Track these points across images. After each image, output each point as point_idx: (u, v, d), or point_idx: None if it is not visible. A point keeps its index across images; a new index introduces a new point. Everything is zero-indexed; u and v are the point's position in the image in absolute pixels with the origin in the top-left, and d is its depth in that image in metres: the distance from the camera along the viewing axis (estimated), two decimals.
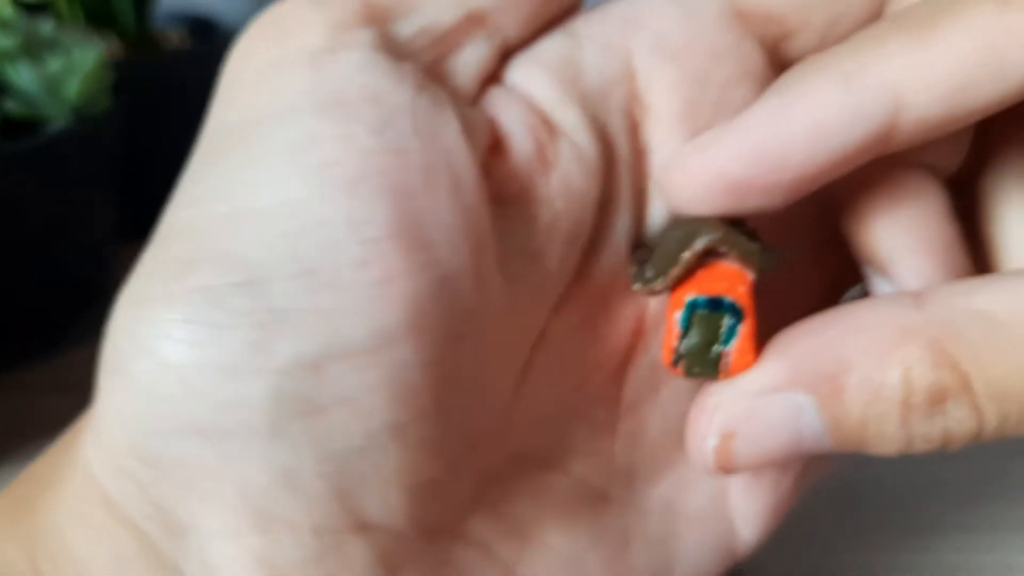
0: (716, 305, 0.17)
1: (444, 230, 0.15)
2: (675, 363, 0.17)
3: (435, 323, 0.15)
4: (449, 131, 0.16)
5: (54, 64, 0.37)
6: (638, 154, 0.19)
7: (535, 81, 0.18)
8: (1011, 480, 0.31)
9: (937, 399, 0.15)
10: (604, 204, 0.18)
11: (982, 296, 0.16)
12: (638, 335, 0.19)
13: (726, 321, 0.16)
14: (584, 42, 0.18)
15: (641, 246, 0.19)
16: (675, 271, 0.17)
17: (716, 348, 0.17)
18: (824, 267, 0.21)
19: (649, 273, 0.17)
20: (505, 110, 0.18)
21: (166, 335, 0.15)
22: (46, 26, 0.38)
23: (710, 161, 0.16)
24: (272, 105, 0.16)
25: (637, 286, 0.17)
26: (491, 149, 0.17)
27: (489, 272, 0.16)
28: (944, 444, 0.16)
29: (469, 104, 0.18)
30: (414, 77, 0.16)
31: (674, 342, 0.17)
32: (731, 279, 0.17)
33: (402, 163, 0.15)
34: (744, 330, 0.16)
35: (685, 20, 0.19)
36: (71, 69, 0.38)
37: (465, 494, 0.17)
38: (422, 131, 0.16)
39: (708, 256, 0.17)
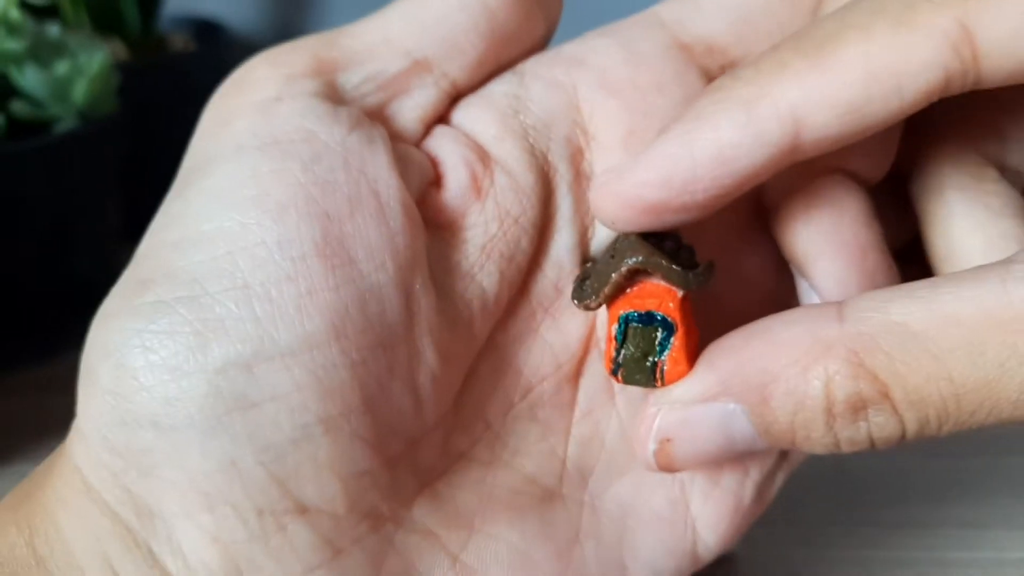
0: (648, 319, 0.18)
1: (368, 249, 0.18)
2: (615, 372, 0.19)
3: (359, 329, 0.17)
4: (378, 164, 0.18)
5: (61, 67, 0.38)
6: (582, 177, 0.20)
7: (477, 119, 0.20)
8: (1006, 477, 0.31)
9: (858, 407, 0.17)
10: (543, 225, 0.20)
11: (898, 307, 0.17)
12: (589, 345, 0.21)
13: (659, 334, 0.18)
14: (530, 80, 0.20)
15: (587, 262, 0.20)
16: (606, 290, 0.18)
17: (652, 358, 0.18)
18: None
19: (586, 290, 0.19)
20: (444, 147, 0.20)
21: (124, 342, 0.17)
22: (53, 30, 0.39)
23: (626, 186, 0.18)
24: (225, 145, 0.18)
25: (575, 302, 0.19)
26: (432, 182, 0.20)
27: (420, 286, 0.18)
28: (871, 446, 0.17)
29: (413, 142, 0.20)
30: (349, 119, 0.19)
31: (612, 353, 0.19)
32: (661, 295, 0.18)
33: (329, 192, 0.18)
34: (676, 342, 0.18)
35: (628, 56, 0.20)
36: (77, 72, 0.38)
37: (407, 486, 0.19)
38: (351, 164, 0.18)
39: (638, 275, 0.18)
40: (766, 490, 0.22)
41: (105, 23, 0.49)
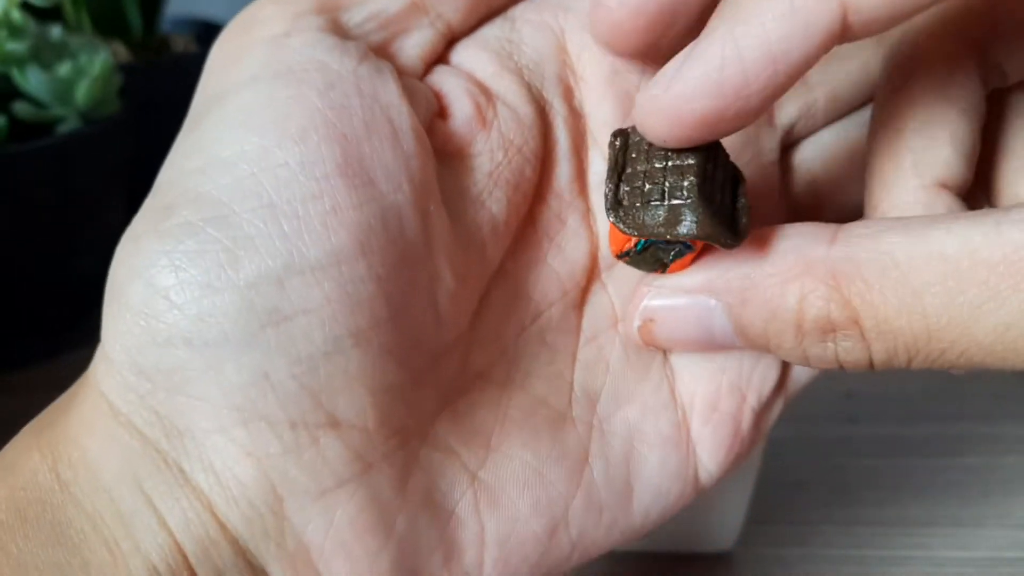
0: (673, 244, 0.19)
1: (386, 171, 0.18)
2: (621, 257, 0.20)
3: (383, 245, 0.18)
4: (388, 92, 0.19)
5: (63, 68, 0.38)
6: (575, 114, 0.21)
7: (475, 58, 0.21)
8: (1001, 476, 0.32)
9: (826, 329, 0.18)
10: (545, 156, 0.21)
11: (891, 237, 0.17)
12: (592, 275, 0.21)
13: (676, 249, 0.19)
14: (520, 24, 0.22)
15: (621, 134, 0.19)
16: (649, 235, 0.19)
17: (663, 260, 0.20)
18: None
19: (626, 211, 0.19)
20: (447, 81, 0.21)
21: (153, 262, 0.17)
22: (55, 31, 0.39)
23: (675, 100, 0.17)
24: (237, 78, 0.19)
25: (610, 217, 0.19)
26: (438, 113, 0.20)
27: (434, 209, 0.19)
28: (839, 366, 0.18)
29: (416, 78, 0.21)
30: (358, 51, 0.19)
31: (626, 246, 0.20)
32: None
33: (345, 116, 0.18)
34: (689, 255, 0.19)
35: None
36: (80, 73, 0.38)
37: (430, 402, 0.19)
38: (364, 92, 0.19)
39: None
40: (763, 419, 0.22)
41: (107, 24, 0.49)
